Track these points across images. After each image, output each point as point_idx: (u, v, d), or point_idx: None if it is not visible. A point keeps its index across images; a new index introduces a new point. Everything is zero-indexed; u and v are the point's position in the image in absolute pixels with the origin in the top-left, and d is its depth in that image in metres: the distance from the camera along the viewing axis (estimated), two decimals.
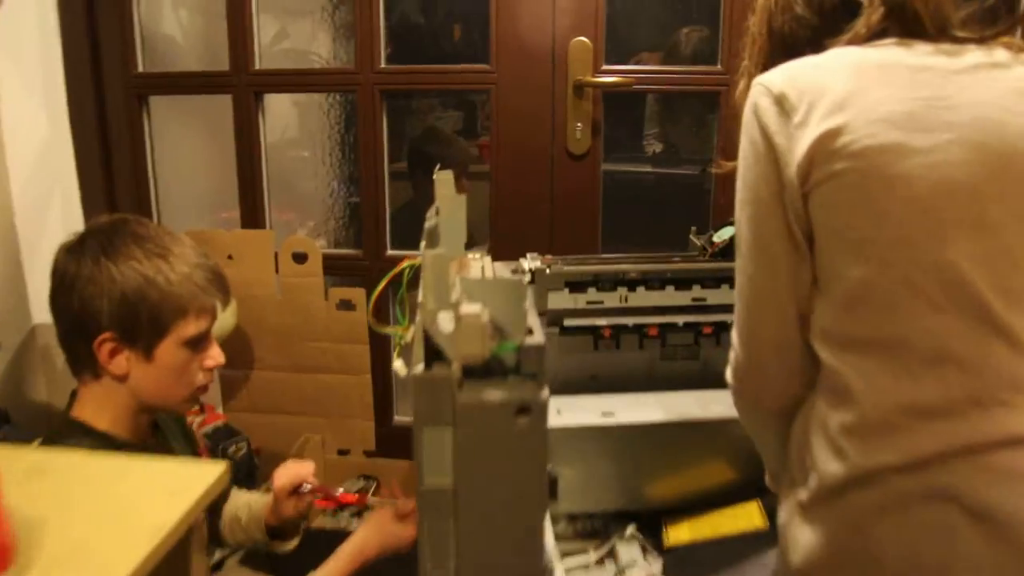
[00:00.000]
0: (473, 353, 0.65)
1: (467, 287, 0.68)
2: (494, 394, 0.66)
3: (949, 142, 0.77)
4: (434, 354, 0.70)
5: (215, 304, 1.19)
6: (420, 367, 0.70)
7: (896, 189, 0.77)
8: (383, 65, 1.94)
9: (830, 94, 0.79)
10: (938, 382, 0.77)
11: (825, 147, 0.78)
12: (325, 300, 1.99)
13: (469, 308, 0.64)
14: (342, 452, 2.11)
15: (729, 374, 0.93)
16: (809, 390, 0.86)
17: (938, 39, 0.83)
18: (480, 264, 1.10)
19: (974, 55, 0.81)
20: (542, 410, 0.66)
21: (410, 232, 2.02)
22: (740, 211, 0.86)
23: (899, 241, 0.78)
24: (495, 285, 0.68)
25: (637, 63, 2.03)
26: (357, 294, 1.98)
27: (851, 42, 0.85)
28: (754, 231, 0.84)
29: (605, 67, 1.87)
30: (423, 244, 0.79)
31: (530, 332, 0.68)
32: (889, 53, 0.83)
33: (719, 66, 1.89)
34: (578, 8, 1.84)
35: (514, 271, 1.17)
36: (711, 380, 1.26)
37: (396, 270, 1.01)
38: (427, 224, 0.81)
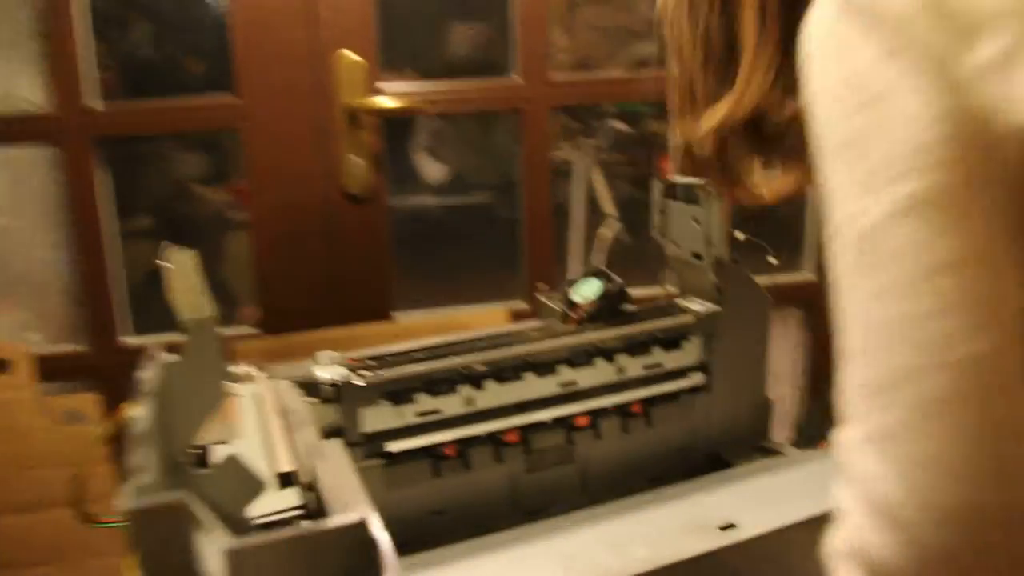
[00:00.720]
0: None
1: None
2: None
3: None
4: None
5: None
6: None
7: None
8: (94, 105, 1.48)
9: None
10: None
11: None
12: (43, 415, 1.50)
13: None
14: None
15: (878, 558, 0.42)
16: None
17: None
18: (255, 390, 0.71)
19: None
20: None
21: (159, 310, 1.58)
22: (885, 215, 0.42)
23: None
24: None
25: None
26: (87, 401, 1.50)
27: None
28: (955, 252, 0.41)
29: (383, 87, 1.52)
30: (133, 441, 0.40)
31: None
32: None
33: (516, 77, 1.59)
34: (342, 11, 1.47)
35: (306, 387, 0.79)
36: (593, 488, 0.95)
37: (112, 426, 0.63)
38: (140, 403, 0.43)
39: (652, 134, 2.25)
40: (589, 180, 2.12)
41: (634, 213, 2.28)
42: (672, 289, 1.07)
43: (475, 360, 0.85)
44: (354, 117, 1.49)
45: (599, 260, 2.11)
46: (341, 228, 1.58)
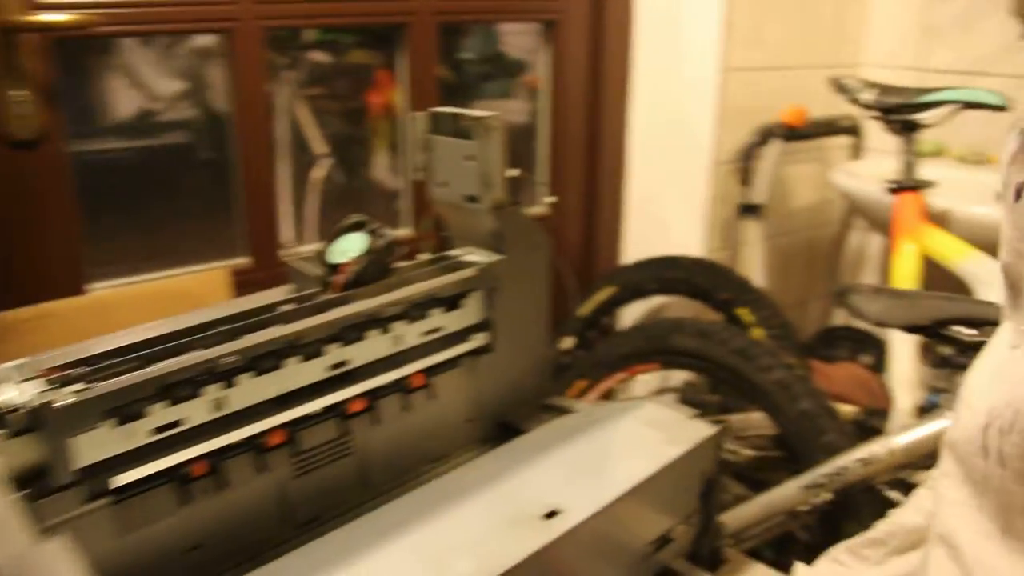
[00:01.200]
0: None
1: None
2: None
3: None
4: None
5: None
6: None
7: None
8: None
9: None
10: None
11: None
12: None
13: None
14: None
15: None
16: None
17: None
18: None
19: None
20: None
21: None
22: None
23: None
24: None
25: None
26: None
27: None
28: None
29: None
30: None
31: None
32: None
33: None
34: None
35: None
36: (375, 481, 0.80)
37: None
38: None
39: (356, 65, 2.08)
40: (294, 117, 1.91)
41: (345, 150, 2.11)
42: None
43: (223, 352, 0.66)
44: (10, 37, 1.18)
45: (312, 203, 1.93)
46: (6, 183, 1.26)
